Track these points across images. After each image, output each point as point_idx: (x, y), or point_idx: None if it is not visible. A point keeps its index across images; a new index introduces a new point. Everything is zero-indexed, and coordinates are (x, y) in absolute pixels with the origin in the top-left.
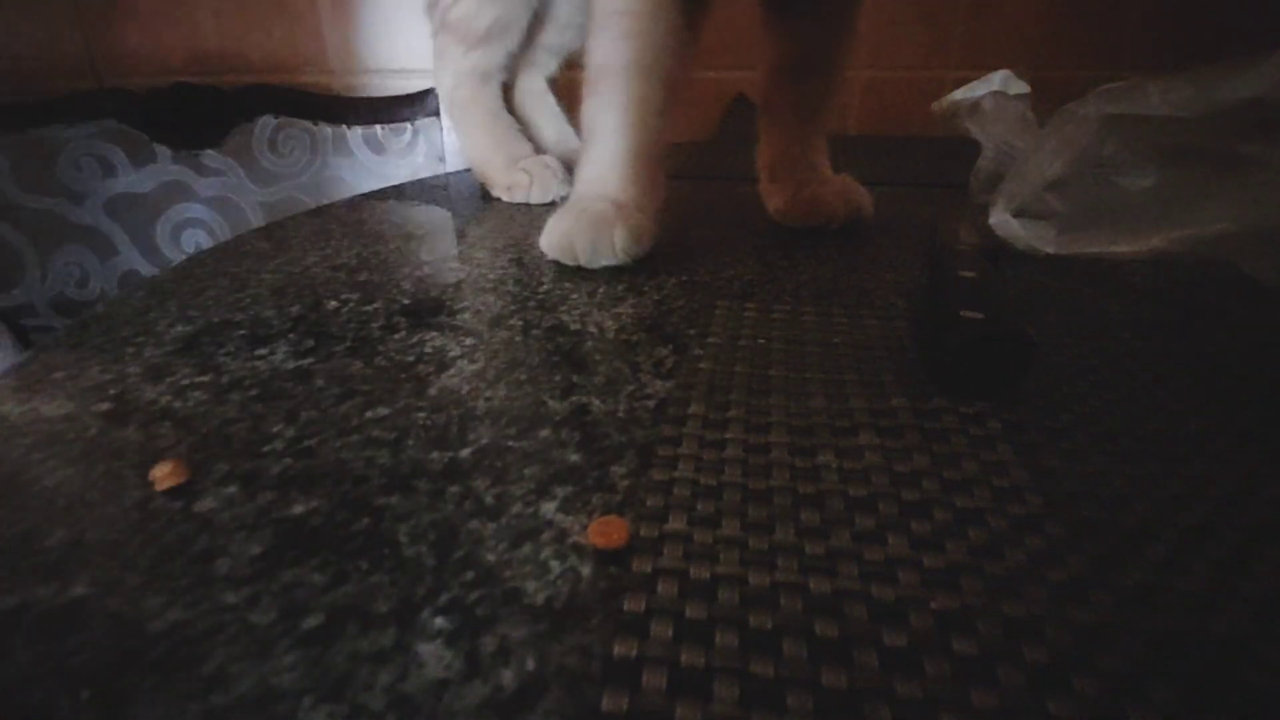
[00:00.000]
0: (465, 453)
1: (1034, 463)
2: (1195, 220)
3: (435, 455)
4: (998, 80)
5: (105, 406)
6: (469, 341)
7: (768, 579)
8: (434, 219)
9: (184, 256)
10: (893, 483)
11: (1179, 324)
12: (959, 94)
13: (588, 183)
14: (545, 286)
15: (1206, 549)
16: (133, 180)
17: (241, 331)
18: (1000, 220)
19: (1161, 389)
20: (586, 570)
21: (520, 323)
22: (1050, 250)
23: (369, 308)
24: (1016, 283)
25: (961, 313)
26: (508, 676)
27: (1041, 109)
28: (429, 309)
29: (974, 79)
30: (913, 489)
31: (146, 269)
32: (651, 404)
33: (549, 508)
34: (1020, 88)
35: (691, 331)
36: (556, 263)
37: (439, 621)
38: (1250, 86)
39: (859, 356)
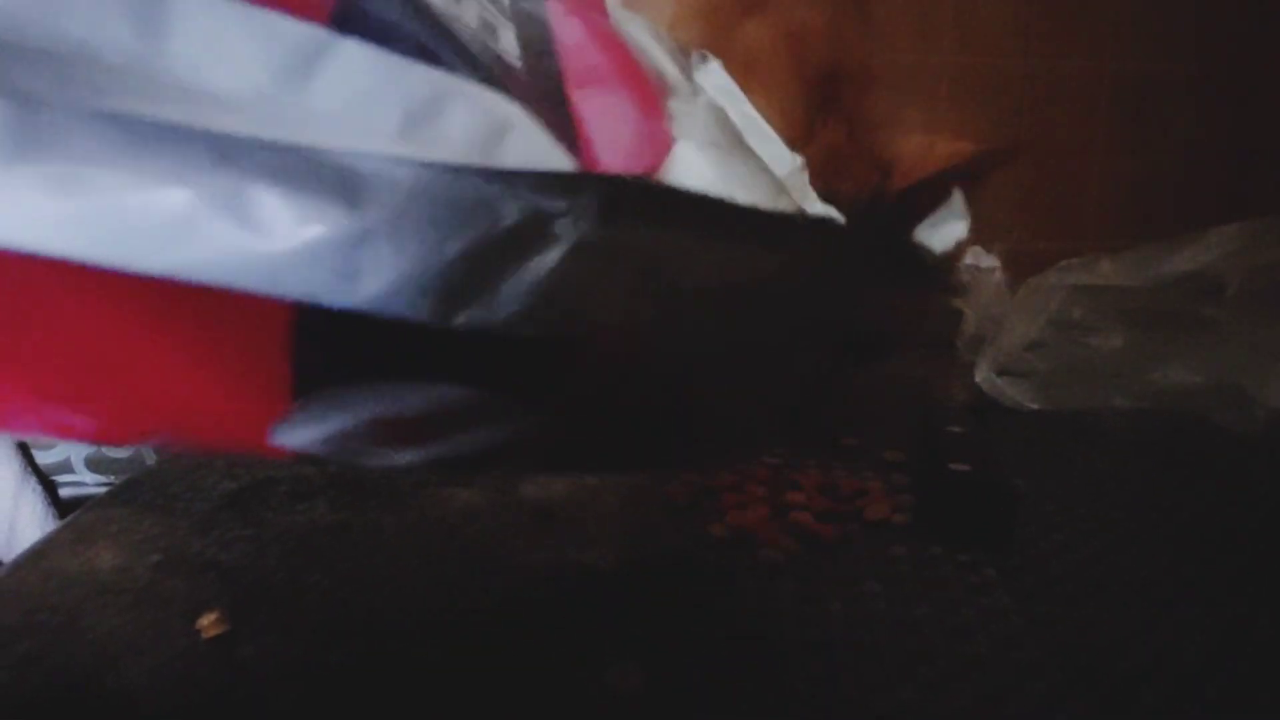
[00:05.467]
0: (489, 604)
1: (1031, 610)
2: (1165, 377)
3: (460, 605)
4: (968, 256)
5: (155, 558)
6: (495, 497)
7: None
8: None
9: None
10: (896, 630)
11: (1160, 474)
12: None
13: None
14: None
15: (1200, 693)
16: None
17: (283, 488)
18: (985, 378)
19: (1148, 537)
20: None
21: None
22: (1034, 405)
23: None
24: (1004, 436)
25: (950, 465)
26: None
27: (1011, 279)
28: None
29: None
30: (916, 634)
31: None
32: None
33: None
34: (990, 262)
35: None
36: None
37: None
38: (1192, 260)
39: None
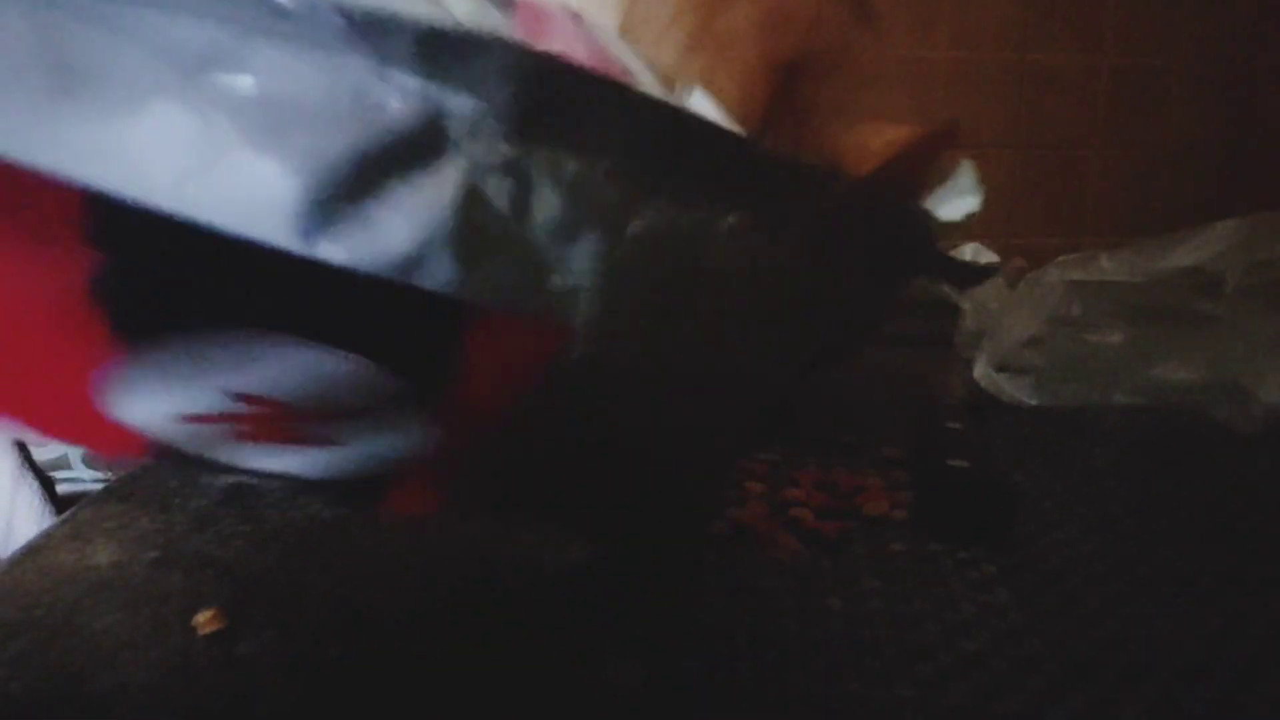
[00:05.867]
0: (488, 602)
1: (1030, 606)
2: (1163, 373)
3: (459, 603)
4: (969, 251)
5: (152, 555)
6: None
7: None
8: None
9: None
10: (895, 626)
11: (1158, 470)
12: None
13: None
14: None
15: (1199, 688)
16: None
17: (281, 484)
18: (984, 374)
19: (1147, 533)
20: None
21: None
22: (1033, 402)
23: None
24: (1003, 433)
25: (949, 462)
26: None
27: (1010, 275)
28: None
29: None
30: (915, 631)
31: None
32: None
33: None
34: (990, 257)
35: None
36: None
37: None
38: (1191, 255)
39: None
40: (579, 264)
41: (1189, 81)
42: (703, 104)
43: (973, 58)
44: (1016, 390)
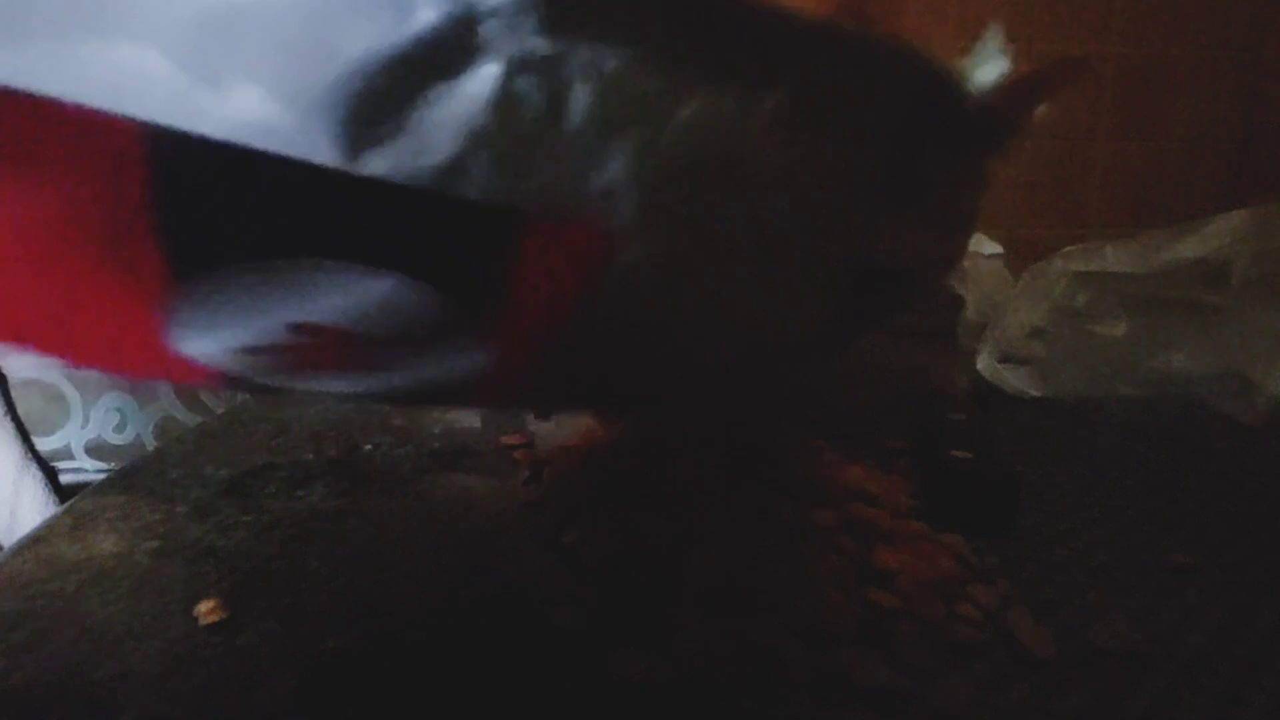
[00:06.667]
0: (491, 591)
1: (1034, 596)
2: (1168, 364)
3: (461, 592)
4: (971, 242)
5: (154, 545)
6: (494, 484)
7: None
8: None
9: (224, 405)
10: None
11: (1162, 462)
12: None
13: None
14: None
15: (1204, 680)
16: None
17: (282, 474)
18: (987, 366)
19: (1151, 524)
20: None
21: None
22: (1036, 393)
23: (401, 450)
24: (1007, 424)
25: (952, 453)
26: None
27: (1013, 266)
28: (456, 452)
29: None
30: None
31: (185, 416)
32: None
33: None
34: (993, 248)
35: None
36: None
37: None
38: (1196, 246)
39: None
40: (620, 161)
41: (1196, 72)
42: None
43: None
44: (1020, 381)
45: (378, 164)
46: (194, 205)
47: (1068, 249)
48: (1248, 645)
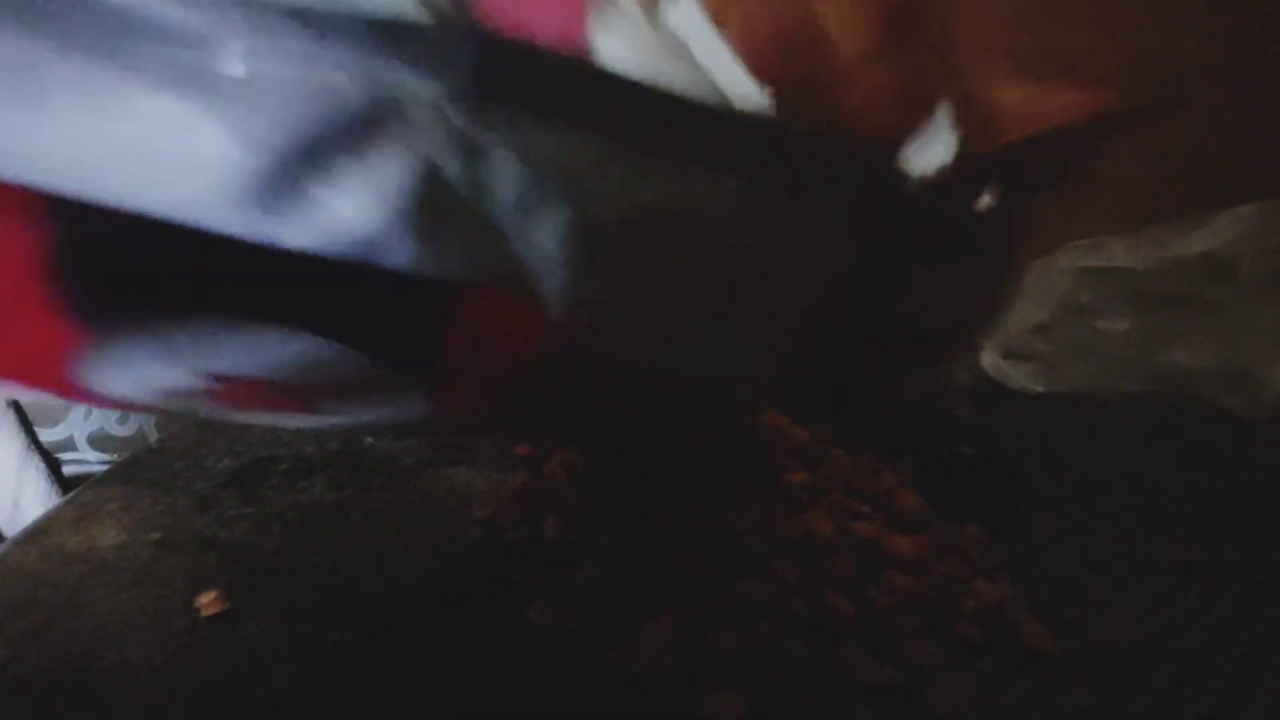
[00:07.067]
0: (493, 585)
1: (1034, 593)
2: (1172, 360)
3: (463, 586)
4: None
5: (156, 536)
6: (495, 478)
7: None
8: None
9: None
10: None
11: (1165, 458)
12: None
13: None
14: None
15: (1205, 676)
16: None
17: (283, 466)
18: (991, 362)
19: (1152, 521)
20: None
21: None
22: (1040, 389)
23: (402, 444)
24: (1010, 420)
25: (955, 449)
26: None
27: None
28: (457, 446)
29: None
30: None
31: None
32: None
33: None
34: None
35: None
36: None
37: None
38: (1201, 242)
39: None
40: (545, 236)
41: (1205, 67)
42: (689, 8)
43: (989, 40)
44: (1023, 377)
45: (294, 234)
46: (101, 255)
47: (1073, 244)
48: (1249, 642)
